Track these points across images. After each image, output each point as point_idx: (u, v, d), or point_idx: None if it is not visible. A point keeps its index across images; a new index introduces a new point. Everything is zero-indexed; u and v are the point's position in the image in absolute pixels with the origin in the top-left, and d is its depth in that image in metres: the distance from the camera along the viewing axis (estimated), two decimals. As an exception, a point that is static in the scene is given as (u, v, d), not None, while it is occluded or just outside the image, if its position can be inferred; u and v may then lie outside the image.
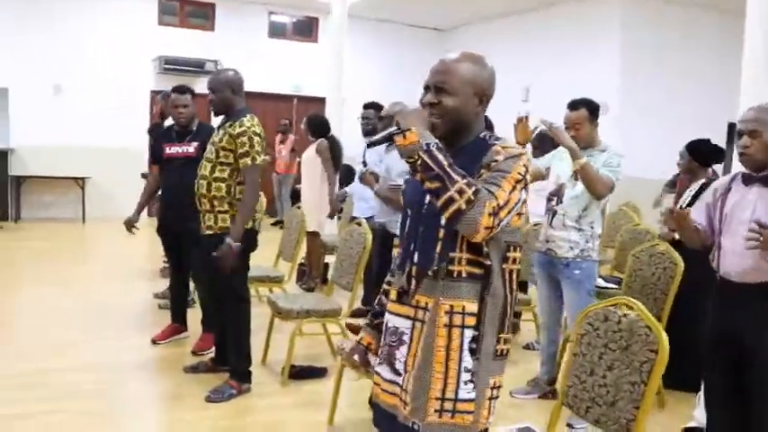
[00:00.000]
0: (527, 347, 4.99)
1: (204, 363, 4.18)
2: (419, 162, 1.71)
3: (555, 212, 3.72)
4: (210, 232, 3.76)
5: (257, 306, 4.91)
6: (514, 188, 1.74)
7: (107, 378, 4.05)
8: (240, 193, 3.72)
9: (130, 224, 4.82)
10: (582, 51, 9.85)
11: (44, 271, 7.02)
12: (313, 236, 6.15)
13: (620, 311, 2.28)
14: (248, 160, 3.64)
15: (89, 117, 10.45)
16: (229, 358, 3.90)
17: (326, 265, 6.74)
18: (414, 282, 1.85)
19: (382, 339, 1.97)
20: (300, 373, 4.09)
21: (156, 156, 4.76)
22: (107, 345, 4.61)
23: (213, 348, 4.32)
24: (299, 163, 10.78)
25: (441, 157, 1.71)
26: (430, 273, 1.81)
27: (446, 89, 1.82)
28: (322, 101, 9.86)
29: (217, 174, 3.70)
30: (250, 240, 3.82)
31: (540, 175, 3.81)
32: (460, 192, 1.67)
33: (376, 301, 2.15)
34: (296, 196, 11.37)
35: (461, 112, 1.83)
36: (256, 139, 3.66)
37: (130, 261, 7.59)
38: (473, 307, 1.79)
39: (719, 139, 9.95)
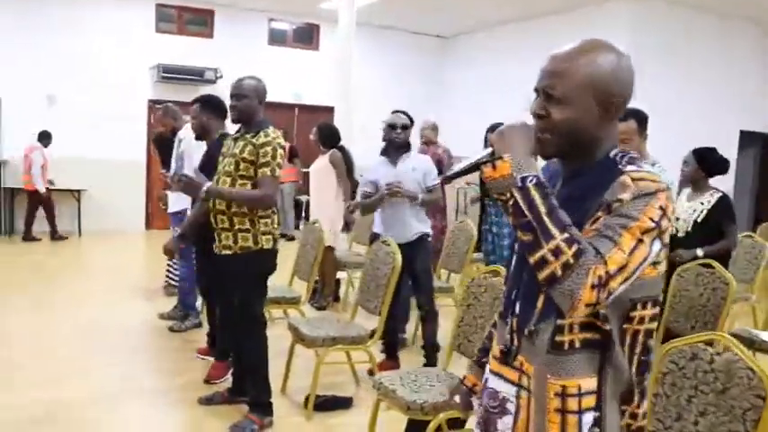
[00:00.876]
0: None
1: (220, 393, 3.88)
2: (510, 202, 1.31)
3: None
4: (229, 252, 3.48)
5: (270, 329, 4.62)
6: (640, 242, 1.27)
7: (119, 410, 3.75)
8: (263, 210, 3.46)
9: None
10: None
11: (42, 289, 6.69)
12: (327, 251, 5.86)
13: (711, 349, 2.03)
14: (267, 170, 3.39)
15: (84, 127, 10.13)
16: (248, 389, 3.63)
17: (338, 282, 6.47)
18: (516, 338, 1.49)
19: (481, 398, 1.63)
20: (325, 404, 3.80)
21: None
22: (114, 372, 4.30)
23: (227, 377, 4.07)
24: (299, 173, 10.56)
25: (537, 198, 1.28)
26: (526, 332, 1.45)
27: (555, 96, 1.37)
28: (323, 109, 9.60)
29: (238, 189, 3.43)
30: (268, 261, 3.56)
31: None
32: (556, 252, 1.24)
33: (486, 334, 1.83)
34: (297, 206, 11.12)
35: (576, 125, 1.37)
36: (279, 151, 3.43)
37: (130, 278, 7.27)
38: (591, 383, 1.38)
39: (731, 147, 9.83)
